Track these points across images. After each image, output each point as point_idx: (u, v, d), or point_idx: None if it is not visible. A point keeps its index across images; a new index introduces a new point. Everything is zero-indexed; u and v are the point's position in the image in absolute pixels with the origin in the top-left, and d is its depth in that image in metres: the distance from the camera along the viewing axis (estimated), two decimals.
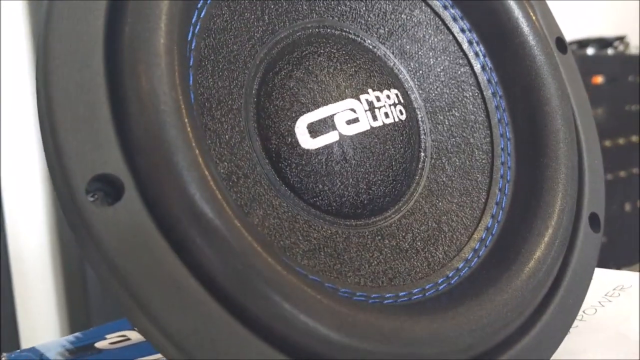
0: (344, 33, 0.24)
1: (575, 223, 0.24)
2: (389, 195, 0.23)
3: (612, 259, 1.48)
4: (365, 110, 0.23)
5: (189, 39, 0.19)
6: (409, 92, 0.25)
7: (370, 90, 0.23)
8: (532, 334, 0.22)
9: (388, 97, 0.24)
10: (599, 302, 0.27)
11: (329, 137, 0.22)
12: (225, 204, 0.17)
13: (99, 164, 0.16)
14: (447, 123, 0.26)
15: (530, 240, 0.23)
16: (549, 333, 0.22)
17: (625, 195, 1.59)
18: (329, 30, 0.24)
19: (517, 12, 0.25)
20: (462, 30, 0.26)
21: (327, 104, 0.22)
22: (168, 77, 0.17)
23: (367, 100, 0.23)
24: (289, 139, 0.21)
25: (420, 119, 0.25)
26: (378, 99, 0.23)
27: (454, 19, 0.26)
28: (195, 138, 0.17)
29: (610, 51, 1.66)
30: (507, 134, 0.26)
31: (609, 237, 1.45)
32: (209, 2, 0.20)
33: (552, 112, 0.24)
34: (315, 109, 0.22)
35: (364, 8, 0.25)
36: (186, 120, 0.17)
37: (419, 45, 0.26)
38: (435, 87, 0.26)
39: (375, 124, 0.23)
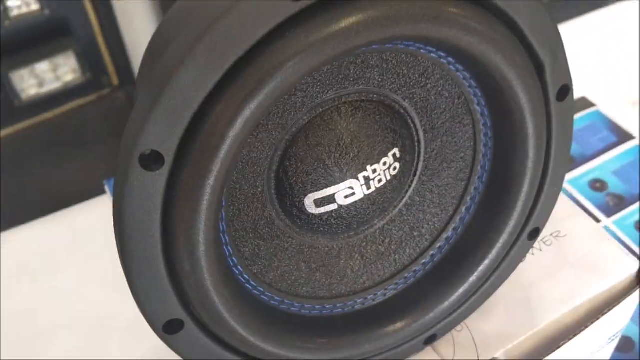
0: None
1: (517, 236, 0.32)
2: (378, 213, 0.31)
3: None
4: (361, 185, 0.28)
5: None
6: (410, 128, 0.29)
7: (368, 167, 0.28)
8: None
9: (384, 163, 0.29)
10: (531, 250, 0.36)
11: (330, 207, 0.29)
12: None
13: (165, 312, 0.25)
14: (440, 146, 0.31)
15: (474, 262, 0.31)
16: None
17: None
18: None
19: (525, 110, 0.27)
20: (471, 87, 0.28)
21: (330, 186, 0.28)
22: (206, 260, 0.24)
23: (364, 176, 0.28)
24: (299, 205, 0.28)
25: (416, 146, 0.30)
26: (374, 171, 0.28)
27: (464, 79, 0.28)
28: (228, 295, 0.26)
29: None
30: (486, 165, 0.31)
31: None
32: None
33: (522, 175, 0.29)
34: (321, 189, 0.28)
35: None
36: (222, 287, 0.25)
37: (427, 94, 0.29)
38: (438, 116, 0.30)
39: (369, 192, 0.29)
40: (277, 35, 0.22)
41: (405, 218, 0.32)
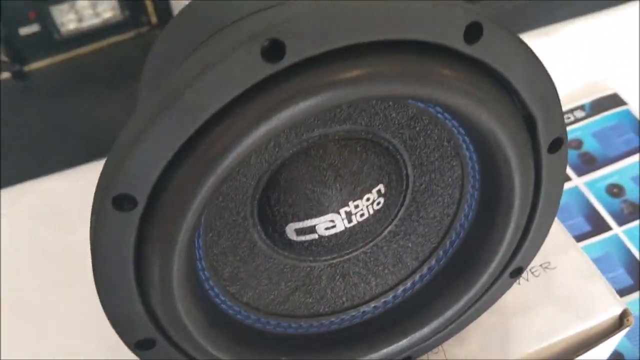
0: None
1: (499, 275, 0.32)
2: (360, 241, 0.31)
3: None
4: (343, 219, 0.29)
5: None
6: (399, 162, 0.29)
7: (350, 202, 0.28)
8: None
9: (368, 199, 0.29)
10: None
11: (310, 237, 0.29)
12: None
13: (138, 332, 0.26)
14: (428, 181, 0.30)
15: (452, 297, 0.32)
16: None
17: None
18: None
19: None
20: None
21: (311, 218, 0.28)
22: (179, 293, 0.25)
23: (346, 211, 0.28)
24: (281, 232, 0.29)
25: (404, 180, 0.30)
26: (357, 207, 0.29)
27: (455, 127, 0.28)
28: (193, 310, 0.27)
29: None
30: (473, 205, 0.31)
31: None
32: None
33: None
34: (302, 220, 0.28)
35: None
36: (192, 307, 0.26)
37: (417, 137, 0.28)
38: (427, 155, 0.29)
39: (350, 225, 0.29)
40: (249, 96, 0.22)
41: (390, 245, 0.32)
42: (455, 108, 0.25)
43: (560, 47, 0.73)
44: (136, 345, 0.27)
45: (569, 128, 0.66)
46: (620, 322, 0.35)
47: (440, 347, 0.35)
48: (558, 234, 0.38)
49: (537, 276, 0.37)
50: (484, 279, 0.31)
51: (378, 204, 0.30)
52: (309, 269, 0.31)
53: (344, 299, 0.33)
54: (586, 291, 0.35)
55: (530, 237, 0.31)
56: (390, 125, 0.28)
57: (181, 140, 0.22)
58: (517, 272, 0.33)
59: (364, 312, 0.33)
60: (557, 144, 0.28)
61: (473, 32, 0.24)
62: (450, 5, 0.23)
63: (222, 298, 0.29)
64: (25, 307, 0.53)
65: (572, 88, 0.71)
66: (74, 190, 0.65)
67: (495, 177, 0.29)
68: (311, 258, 0.31)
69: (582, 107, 0.67)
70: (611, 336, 0.34)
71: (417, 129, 0.28)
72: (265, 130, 0.22)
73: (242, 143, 0.22)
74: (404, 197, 0.31)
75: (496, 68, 0.25)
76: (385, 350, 0.32)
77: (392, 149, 0.29)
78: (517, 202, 0.29)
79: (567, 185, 0.61)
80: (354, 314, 0.33)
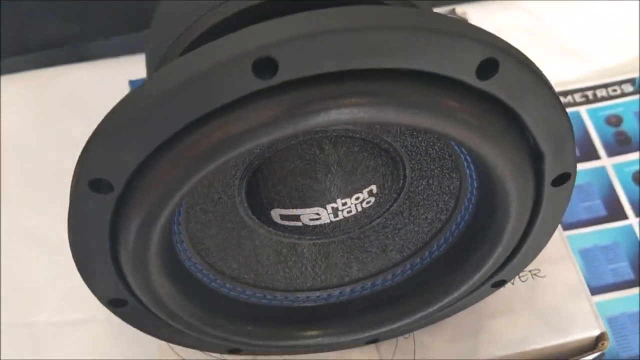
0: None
1: (480, 284, 0.32)
2: (346, 232, 0.31)
3: None
4: (329, 213, 0.28)
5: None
6: (398, 163, 0.28)
7: (338, 200, 0.28)
8: None
9: (357, 198, 0.28)
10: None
11: (294, 224, 0.29)
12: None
13: (111, 291, 0.27)
14: (425, 185, 0.29)
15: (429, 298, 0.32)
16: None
17: None
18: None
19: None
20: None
21: (296, 208, 0.28)
22: (155, 271, 0.26)
23: (332, 207, 0.28)
24: (266, 214, 0.29)
25: (401, 180, 0.29)
26: (345, 204, 0.28)
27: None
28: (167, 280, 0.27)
29: None
30: (467, 216, 0.30)
31: None
32: None
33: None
34: (288, 209, 0.28)
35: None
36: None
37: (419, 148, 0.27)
38: (428, 163, 0.28)
39: (336, 219, 0.29)
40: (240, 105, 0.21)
41: (377, 235, 0.32)
42: (458, 140, 0.23)
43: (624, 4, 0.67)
44: (109, 303, 0.28)
45: (612, 102, 0.63)
46: (595, 344, 0.35)
47: (411, 332, 0.36)
48: (557, 243, 0.37)
49: (524, 281, 0.36)
50: (464, 287, 0.31)
51: (368, 202, 0.29)
52: (292, 244, 0.31)
53: (322, 277, 0.33)
54: (569, 307, 0.35)
55: (519, 256, 0.30)
56: (391, 131, 0.27)
57: (162, 138, 0.21)
58: (500, 284, 0.32)
59: (340, 292, 0.33)
60: (563, 178, 0.27)
61: (487, 68, 0.22)
62: (463, 37, 0.21)
63: (199, 267, 0.30)
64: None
65: (626, 56, 0.66)
66: (99, 81, 0.64)
67: (491, 201, 0.28)
68: (296, 236, 0.31)
69: (631, 81, 0.63)
70: (582, 357, 0.34)
71: (420, 138, 0.27)
72: (250, 145, 0.21)
73: (222, 154, 0.21)
74: (398, 195, 0.30)
75: (511, 106, 0.23)
76: (353, 334, 0.33)
77: (392, 150, 0.28)
78: (509, 228, 0.28)
79: (594, 165, 0.59)
80: (329, 293, 0.33)
